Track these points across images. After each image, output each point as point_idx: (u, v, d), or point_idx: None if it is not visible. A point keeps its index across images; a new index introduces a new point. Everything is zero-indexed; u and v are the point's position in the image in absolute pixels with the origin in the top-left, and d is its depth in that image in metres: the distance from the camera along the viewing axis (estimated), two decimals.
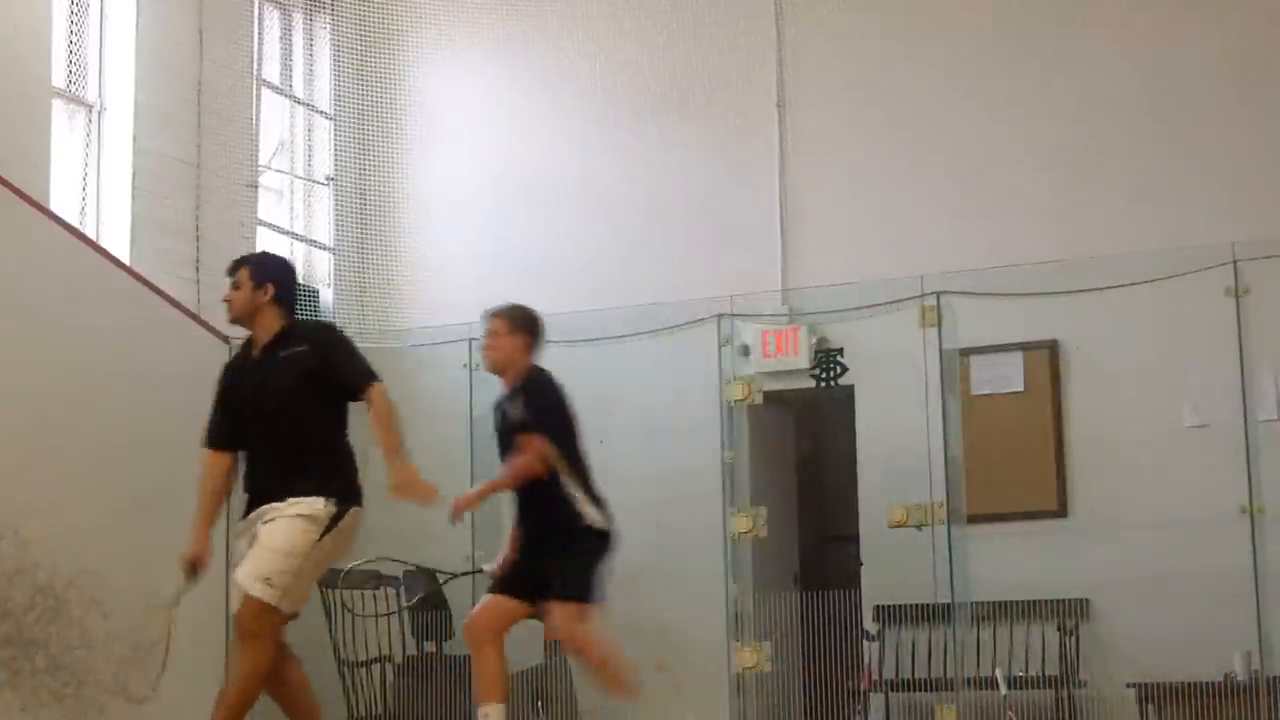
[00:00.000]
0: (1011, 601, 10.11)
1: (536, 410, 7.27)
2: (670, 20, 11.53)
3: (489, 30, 12.02)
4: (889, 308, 10.06)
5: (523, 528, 7.39)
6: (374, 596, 10.42)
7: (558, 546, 7.23)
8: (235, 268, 6.87)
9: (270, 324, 6.78)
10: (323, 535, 6.52)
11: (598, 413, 11.07)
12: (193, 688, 9.34)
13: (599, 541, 7.27)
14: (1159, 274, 9.44)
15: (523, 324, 7.47)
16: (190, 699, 9.54)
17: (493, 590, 7.37)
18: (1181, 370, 10.05)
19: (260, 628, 6.45)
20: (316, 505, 6.52)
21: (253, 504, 6.67)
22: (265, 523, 6.55)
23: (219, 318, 10.48)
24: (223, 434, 6.78)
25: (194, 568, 6.70)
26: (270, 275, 6.83)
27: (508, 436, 7.36)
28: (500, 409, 7.44)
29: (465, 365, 10.12)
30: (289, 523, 6.50)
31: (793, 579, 11.38)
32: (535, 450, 7.17)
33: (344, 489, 6.65)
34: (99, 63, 10.48)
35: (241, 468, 6.77)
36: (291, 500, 6.52)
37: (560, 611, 7.12)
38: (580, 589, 7.17)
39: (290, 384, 6.65)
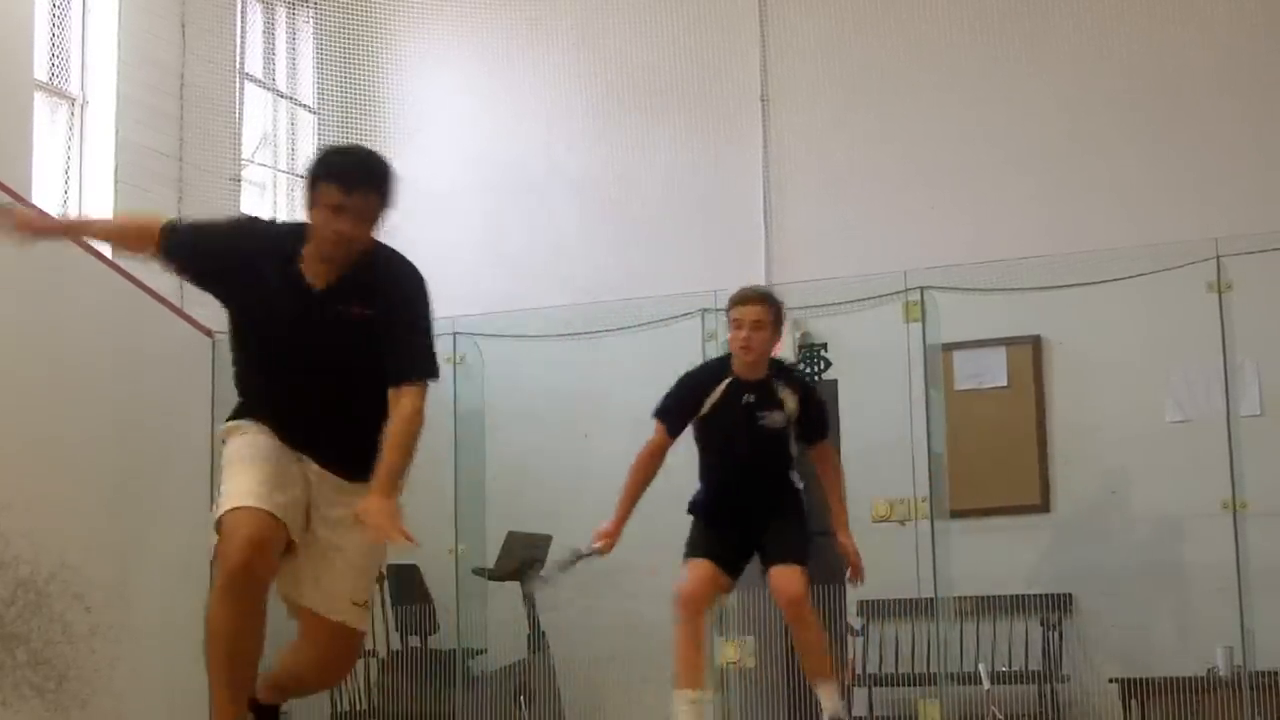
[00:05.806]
0: (995, 596, 10.13)
1: None
2: (655, 14, 11.52)
3: (473, 23, 11.99)
4: (872, 303, 10.03)
5: None
6: None
7: None
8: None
9: None
10: None
11: (581, 407, 11.13)
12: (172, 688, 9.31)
13: None
14: (1142, 269, 9.43)
15: None
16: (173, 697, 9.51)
17: None
18: (1164, 366, 10.07)
19: None
20: None
21: None
22: None
23: (201, 311, 10.49)
24: None
25: None
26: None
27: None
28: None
29: (449, 359, 10.06)
30: None
31: None
32: None
33: None
34: (81, 56, 10.43)
35: None
36: None
37: None
38: None
39: None
